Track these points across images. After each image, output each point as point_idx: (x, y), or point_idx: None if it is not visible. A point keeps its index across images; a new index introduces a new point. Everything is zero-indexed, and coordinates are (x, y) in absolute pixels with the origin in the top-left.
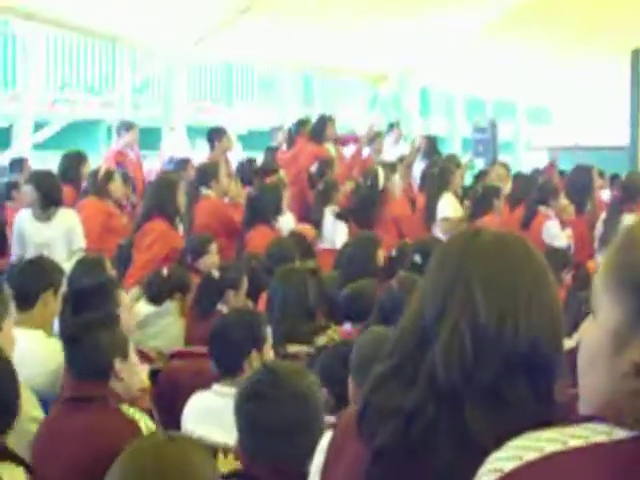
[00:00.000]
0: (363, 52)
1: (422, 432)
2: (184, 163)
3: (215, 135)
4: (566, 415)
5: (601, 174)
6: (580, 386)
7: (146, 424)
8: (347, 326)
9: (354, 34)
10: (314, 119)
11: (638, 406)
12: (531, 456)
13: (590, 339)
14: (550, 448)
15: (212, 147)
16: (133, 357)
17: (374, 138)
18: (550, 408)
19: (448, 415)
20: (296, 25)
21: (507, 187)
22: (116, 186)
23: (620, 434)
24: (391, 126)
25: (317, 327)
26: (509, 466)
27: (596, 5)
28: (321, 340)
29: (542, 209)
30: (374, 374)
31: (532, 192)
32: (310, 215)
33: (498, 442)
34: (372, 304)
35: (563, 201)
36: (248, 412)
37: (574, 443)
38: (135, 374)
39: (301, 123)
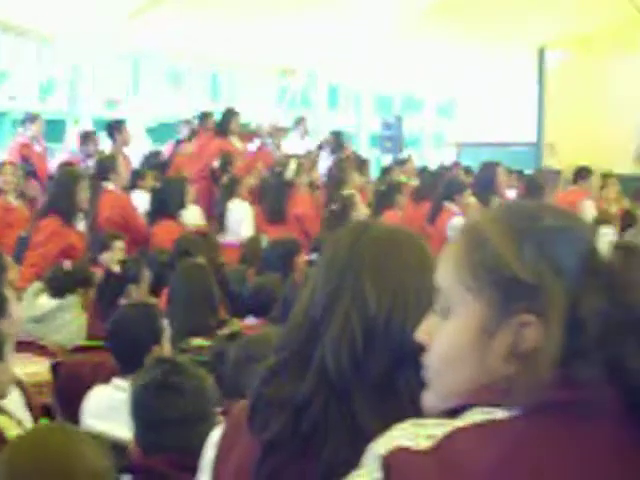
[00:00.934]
0: (271, 47)
1: (312, 424)
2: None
3: (115, 128)
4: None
5: (510, 171)
6: (440, 384)
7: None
8: (250, 320)
9: (262, 28)
10: (220, 113)
11: (520, 383)
12: (425, 442)
13: (448, 337)
14: (441, 432)
15: (113, 140)
16: (9, 358)
17: (275, 133)
18: None
19: (338, 407)
20: (203, 18)
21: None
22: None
23: (502, 414)
24: (298, 121)
25: (219, 321)
26: (405, 443)
27: (504, 4)
28: (220, 334)
29: (447, 205)
30: (265, 366)
31: (438, 188)
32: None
33: None
34: (275, 298)
35: (469, 197)
36: (149, 404)
37: (461, 426)
38: (4, 373)
39: (205, 116)
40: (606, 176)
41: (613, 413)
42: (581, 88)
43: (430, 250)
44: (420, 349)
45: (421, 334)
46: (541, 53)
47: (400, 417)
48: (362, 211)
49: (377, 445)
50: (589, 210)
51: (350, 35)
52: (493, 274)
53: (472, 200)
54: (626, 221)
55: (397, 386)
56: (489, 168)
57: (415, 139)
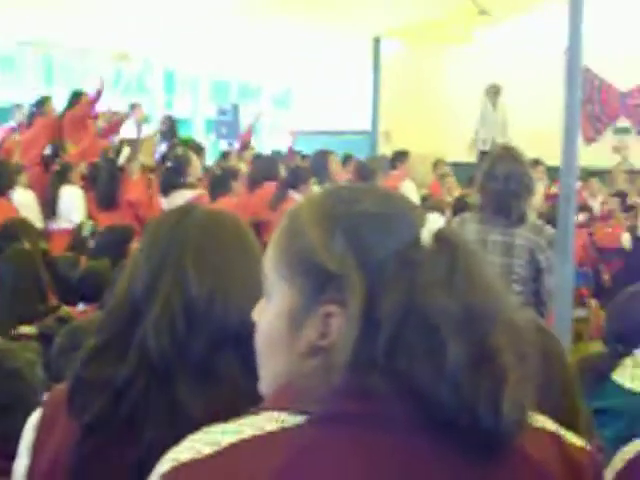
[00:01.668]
0: (106, 31)
1: (132, 406)
2: None
3: None
4: None
5: (348, 158)
6: (263, 369)
7: None
8: (81, 306)
9: (98, 12)
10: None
11: (315, 386)
12: (208, 449)
13: (266, 323)
14: (227, 440)
15: None
16: None
17: (109, 118)
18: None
19: (158, 389)
20: (37, 2)
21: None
22: None
23: (292, 421)
24: (132, 107)
25: (49, 308)
26: (186, 457)
27: None
28: (49, 320)
29: (291, 193)
30: (86, 347)
31: (272, 174)
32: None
33: (209, 416)
34: (106, 284)
35: (313, 186)
36: None
37: (248, 434)
38: None
39: (40, 102)
40: (439, 163)
41: (404, 424)
42: (416, 77)
43: (251, 232)
44: (245, 330)
45: (255, 316)
46: (376, 42)
47: (221, 400)
48: (196, 171)
49: (160, 462)
50: (411, 192)
51: (186, 20)
52: (303, 262)
53: (316, 189)
54: (459, 208)
55: (219, 368)
56: (322, 156)
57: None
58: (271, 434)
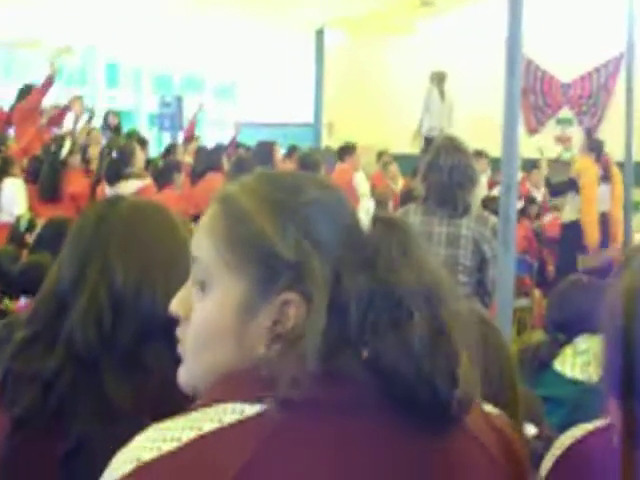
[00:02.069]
0: (47, 23)
1: (60, 399)
2: None
3: None
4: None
5: (293, 149)
6: (197, 362)
7: None
8: (23, 300)
9: (38, 3)
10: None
11: (277, 373)
12: (170, 446)
13: (208, 314)
14: (187, 435)
15: None
16: None
17: (49, 112)
18: None
19: (87, 381)
20: None
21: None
22: None
23: (250, 410)
24: (72, 99)
25: None
26: (148, 456)
27: None
28: None
29: None
30: (15, 340)
31: (215, 166)
32: None
33: (138, 408)
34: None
35: None
36: None
37: (208, 427)
38: None
39: None
40: (383, 154)
41: (371, 405)
42: (359, 68)
43: (181, 223)
44: (174, 322)
45: (174, 306)
46: (319, 34)
47: (150, 390)
48: (139, 162)
49: (117, 463)
50: (362, 184)
51: (129, 12)
52: (254, 250)
53: None
54: (405, 199)
55: (147, 360)
56: (265, 146)
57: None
58: (233, 425)
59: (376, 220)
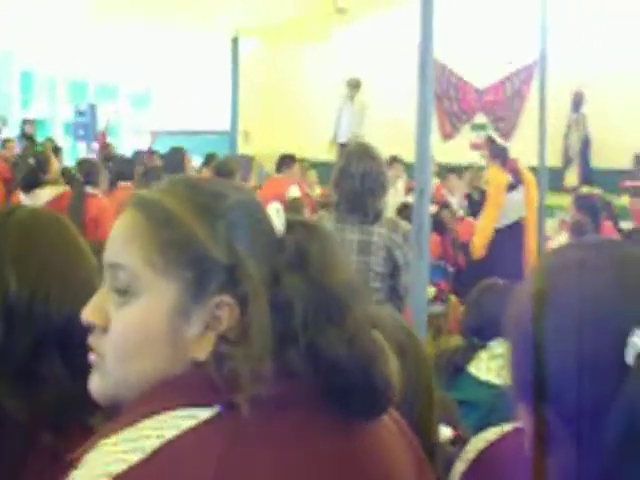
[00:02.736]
0: None
1: None
2: None
3: None
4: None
5: (211, 157)
6: (121, 371)
7: None
8: None
9: None
10: None
11: (221, 375)
12: (136, 457)
13: (136, 320)
14: (150, 445)
15: None
16: None
17: None
18: (83, 386)
19: None
20: None
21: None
22: None
23: (203, 414)
24: None
25: None
26: (117, 468)
27: None
28: None
29: None
30: None
31: (127, 175)
32: None
33: (34, 419)
34: None
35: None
36: None
37: (169, 434)
38: None
39: None
40: (300, 162)
41: (317, 399)
42: (275, 76)
43: (76, 231)
44: (69, 332)
45: (88, 314)
46: (235, 42)
47: (47, 402)
48: (54, 170)
49: (106, 463)
50: (295, 193)
51: (43, 21)
52: (185, 253)
53: None
54: (323, 207)
55: (42, 370)
56: (177, 153)
57: (111, 127)
58: (193, 430)
59: (294, 224)
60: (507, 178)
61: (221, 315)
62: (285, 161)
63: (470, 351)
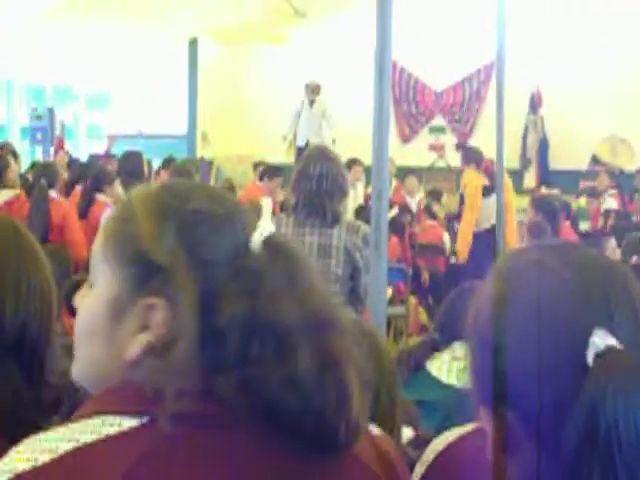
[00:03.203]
0: None
1: None
2: None
3: None
4: (59, 396)
5: (170, 160)
6: (79, 355)
7: None
8: None
9: None
10: None
11: (153, 386)
12: (46, 457)
13: (88, 308)
14: (63, 447)
15: None
16: None
17: None
18: (39, 392)
19: None
20: None
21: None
22: None
23: (128, 423)
24: None
25: None
26: (23, 467)
27: None
28: None
29: (100, 196)
30: None
31: (84, 178)
32: None
33: None
34: None
35: (119, 188)
36: None
37: (85, 439)
38: None
39: None
40: (258, 165)
41: (249, 428)
42: (233, 78)
43: (31, 236)
44: (25, 340)
45: (77, 303)
46: (192, 44)
47: (4, 412)
48: (13, 174)
49: (12, 459)
50: (266, 209)
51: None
52: (129, 249)
53: (121, 191)
54: (283, 209)
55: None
56: (133, 156)
57: (69, 131)
58: (111, 438)
59: (266, 243)
60: (483, 180)
61: (154, 318)
62: (268, 171)
63: (431, 347)
